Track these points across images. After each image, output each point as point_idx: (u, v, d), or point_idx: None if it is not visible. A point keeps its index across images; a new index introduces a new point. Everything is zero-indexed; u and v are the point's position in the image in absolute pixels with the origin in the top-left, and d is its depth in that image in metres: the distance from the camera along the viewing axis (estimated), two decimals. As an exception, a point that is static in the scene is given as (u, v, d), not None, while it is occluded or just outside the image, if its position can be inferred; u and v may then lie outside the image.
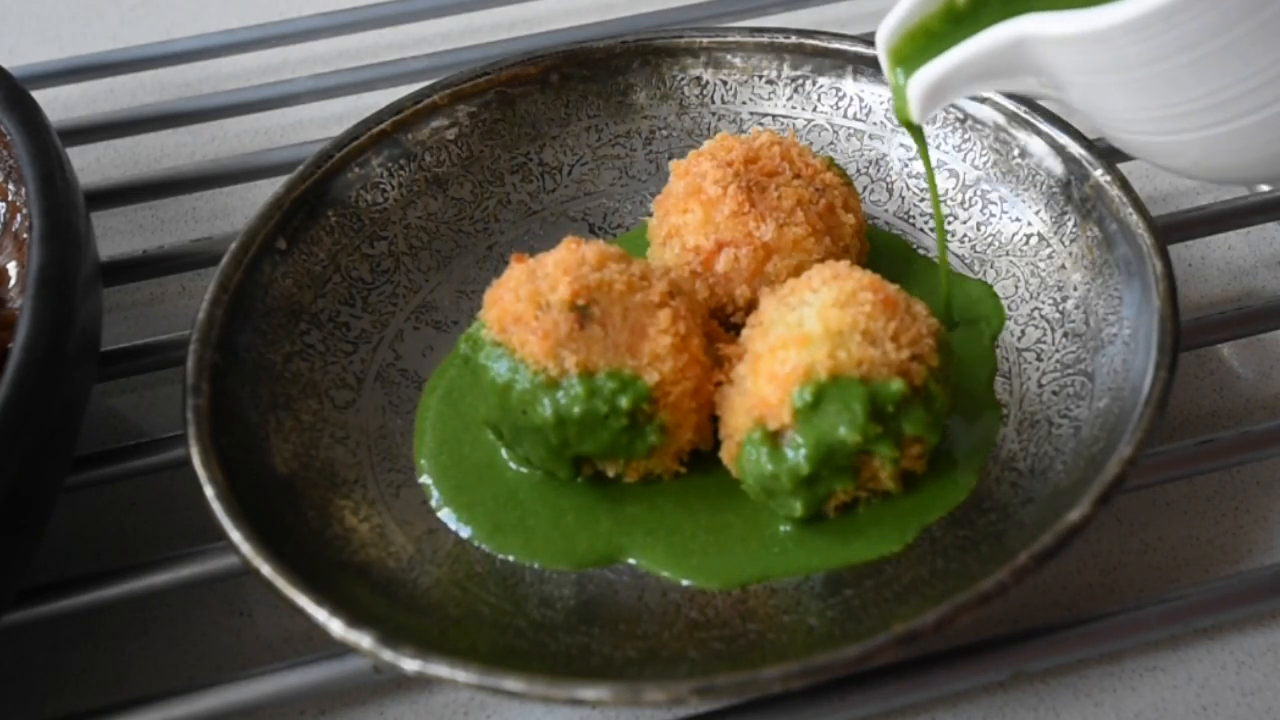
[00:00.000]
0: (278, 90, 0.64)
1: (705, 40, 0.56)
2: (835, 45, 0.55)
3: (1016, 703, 0.42)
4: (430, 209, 0.54)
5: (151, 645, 0.45)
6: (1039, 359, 0.48)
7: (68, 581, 0.44)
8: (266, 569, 0.40)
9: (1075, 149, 0.49)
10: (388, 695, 0.44)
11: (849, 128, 0.55)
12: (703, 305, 0.47)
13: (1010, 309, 0.49)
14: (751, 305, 0.47)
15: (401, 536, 0.44)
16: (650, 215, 0.51)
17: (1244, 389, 0.51)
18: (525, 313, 0.43)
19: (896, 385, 0.41)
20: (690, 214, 0.48)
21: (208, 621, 0.46)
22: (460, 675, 0.37)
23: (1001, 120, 0.52)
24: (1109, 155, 0.50)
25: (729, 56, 0.56)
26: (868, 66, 0.54)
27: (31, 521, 0.42)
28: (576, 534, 0.44)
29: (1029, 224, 0.51)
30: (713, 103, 0.57)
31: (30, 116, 0.48)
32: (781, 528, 0.44)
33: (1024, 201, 0.51)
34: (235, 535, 0.40)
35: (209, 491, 0.41)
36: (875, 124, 0.55)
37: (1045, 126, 0.50)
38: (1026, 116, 0.51)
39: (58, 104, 0.67)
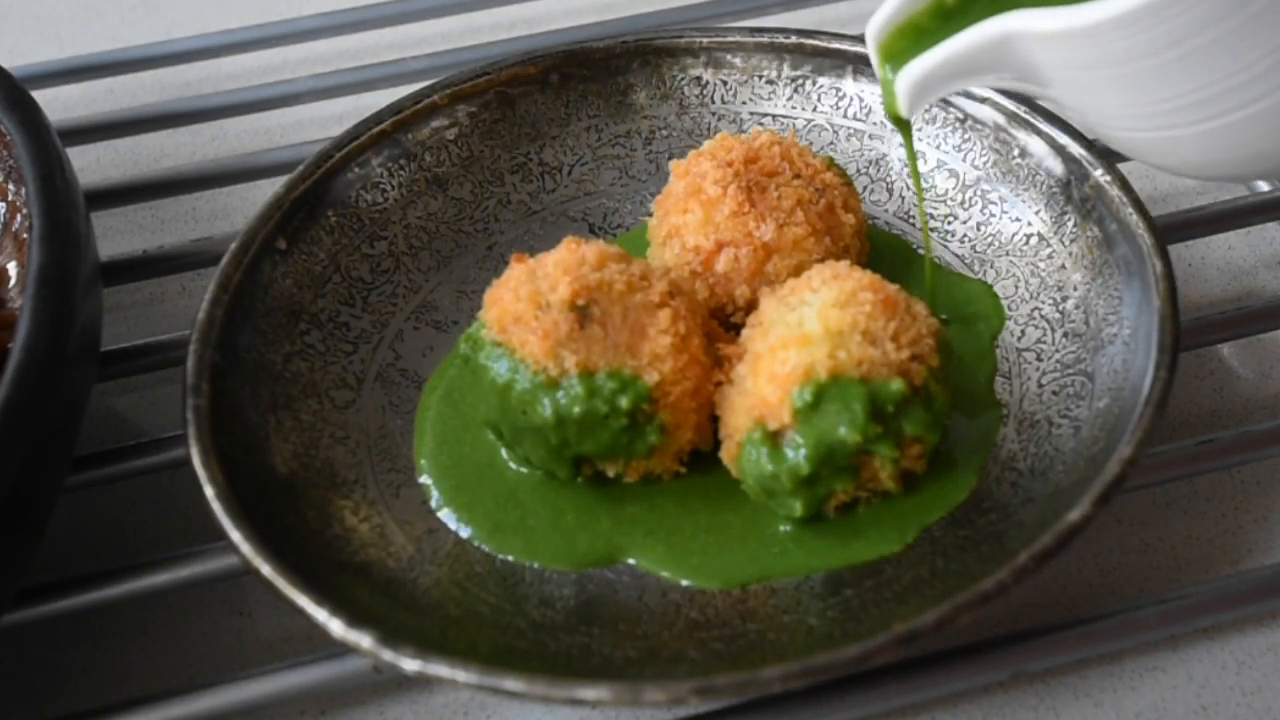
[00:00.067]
0: (278, 90, 0.64)
1: (705, 40, 0.56)
2: (835, 45, 0.55)
3: (1016, 703, 0.42)
4: (430, 209, 0.54)
5: (151, 645, 0.45)
6: (1039, 359, 0.47)
7: (68, 581, 0.44)
8: (266, 569, 0.40)
9: (1075, 149, 0.49)
10: (388, 695, 0.44)
11: (849, 128, 0.55)
12: (703, 305, 0.47)
13: (1010, 309, 0.49)
14: (751, 305, 0.47)
15: (401, 536, 0.44)
16: (650, 215, 0.51)
17: (1244, 389, 0.51)
18: (525, 313, 0.43)
19: (896, 385, 0.41)
20: (690, 214, 0.48)
21: (208, 621, 0.46)
22: (460, 675, 0.37)
23: (1001, 120, 0.52)
24: (1109, 155, 0.50)
25: (729, 56, 0.56)
26: (868, 67, 0.54)
27: (31, 521, 0.42)
28: (576, 534, 0.44)
29: (1029, 224, 0.51)
30: (713, 103, 0.57)
31: (30, 116, 0.48)
32: (781, 528, 0.44)
33: (1024, 201, 0.51)
34: (235, 535, 0.40)
35: (209, 491, 0.41)
36: (875, 124, 0.55)
37: (1045, 126, 0.50)
38: (1027, 116, 0.51)
39: (58, 104, 0.67)
